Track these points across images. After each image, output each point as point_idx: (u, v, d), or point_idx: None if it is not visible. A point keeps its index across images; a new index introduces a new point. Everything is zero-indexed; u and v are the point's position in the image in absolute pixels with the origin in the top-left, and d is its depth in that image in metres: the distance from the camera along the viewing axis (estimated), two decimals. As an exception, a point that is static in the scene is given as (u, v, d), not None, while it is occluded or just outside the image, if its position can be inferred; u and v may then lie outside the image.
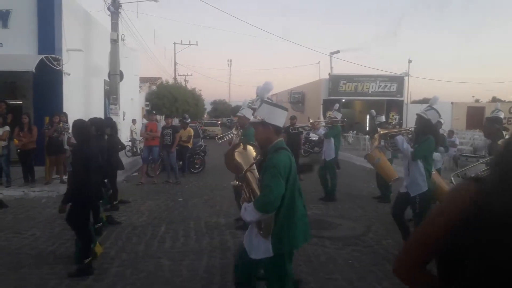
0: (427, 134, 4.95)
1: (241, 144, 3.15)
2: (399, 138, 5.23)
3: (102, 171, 5.63)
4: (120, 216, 6.95)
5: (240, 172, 2.97)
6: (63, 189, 8.41)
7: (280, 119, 2.91)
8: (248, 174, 2.93)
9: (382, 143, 6.63)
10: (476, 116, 27.57)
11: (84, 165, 4.57)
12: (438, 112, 5.06)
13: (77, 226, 4.62)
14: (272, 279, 2.92)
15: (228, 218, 6.93)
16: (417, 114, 5.20)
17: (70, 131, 9.20)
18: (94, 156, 4.89)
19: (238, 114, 6.48)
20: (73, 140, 8.68)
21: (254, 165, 2.97)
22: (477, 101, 39.18)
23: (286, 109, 3.06)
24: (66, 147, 9.54)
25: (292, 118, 11.90)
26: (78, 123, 4.87)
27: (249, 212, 2.73)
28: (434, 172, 5.54)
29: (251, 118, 6.06)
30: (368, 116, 29.67)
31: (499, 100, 44.64)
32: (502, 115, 6.67)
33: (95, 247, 4.83)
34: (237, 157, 3.02)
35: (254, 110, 6.00)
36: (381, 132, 6.67)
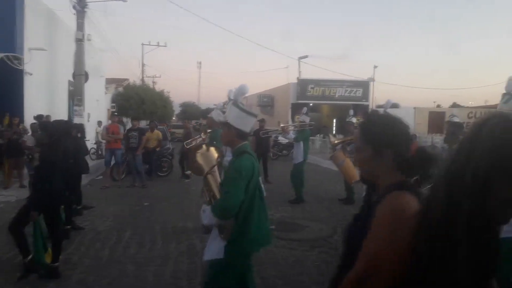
0: None
1: (204, 145, 3.14)
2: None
3: (69, 175, 5.48)
4: (83, 221, 6.74)
5: (202, 173, 2.96)
6: (22, 193, 8.09)
7: (246, 124, 2.89)
8: (209, 176, 2.91)
9: (349, 148, 6.80)
10: (437, 121, 28.59)
11: (51, 169, 4.42)
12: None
13: (52, 229, 4.49)
14: (209, 283, 2.82)
15: (196, 222, 6.85)
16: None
17: (29, 133, 8.89)
18: (62, 159, 4.74)
19: (208, 115, 6.48)
20: (29, 143, 8.39)
21: (216, 167, 2.96)
22: (438, 106, 40.63)
23: (255, 115, 3.06)
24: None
25: (261, 121, 11.96)
26: (49, 125, 4.71)
27: (207, 215, 2.73)
28: None
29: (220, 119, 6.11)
30: (334, 120, 30.28)
31: (459, 106, 46.52)
32: (457, 120, 6.98)
33: (45, 255, 4.63)
34: (199, 158, 3.00)
35: (224, 112, 6.01)
36: (335, 141, 6.91)
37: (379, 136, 1.48)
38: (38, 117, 10.27)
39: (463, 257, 1.05)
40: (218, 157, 3.05)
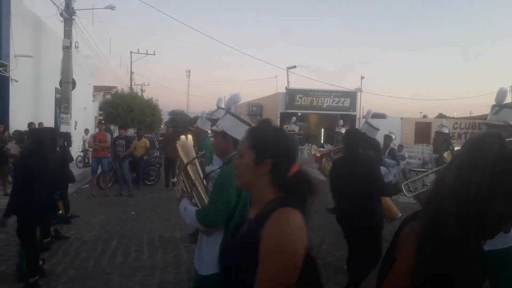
0: (368, 149, 5.13)
1: (182, 136, 3.14)
2: None
3: (55, 184, 5.39)
4: (69, 230, 6.64)
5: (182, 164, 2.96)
6: (6, 202, 7.93)
7: (241, 133, 2.89)
8: (189, 168, 2.90)
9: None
10: (423, 131, 28.92)
11: (34, 177, 4.34)
12: (371, 125, 5.27)
13: (23, 240, 4.38)
14: None
15: (183, 232, 6.78)
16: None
17: (14, 141, 8.76)
18: (47, 168, 4.65)
19: (195, 125, 6.44)
20: (13, 151, 8.26)
21: (197, 160, 2.96)
22: (425, 116, 41.11)
23: (249, 125, 3.06)
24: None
25: (250, 130, 11.95)
26: (36, 132, 4.65)
27: (189, 216, 2.69)
28: None
29: (208, 128, 6.08)
30: (323, 130, 30.45)
31: (445, 116, 47.15)
32: (446, 130, 7.06)
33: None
34: (179, 150, 3.00)
35: (212, 120, 5.98)
36: (318, 155, 6.95)
37: (264, 144, 1.45)
38: (30, 125, 10.18)
39: (472, 269, 1.14)
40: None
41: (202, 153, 3.13)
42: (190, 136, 3.17)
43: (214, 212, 2.59)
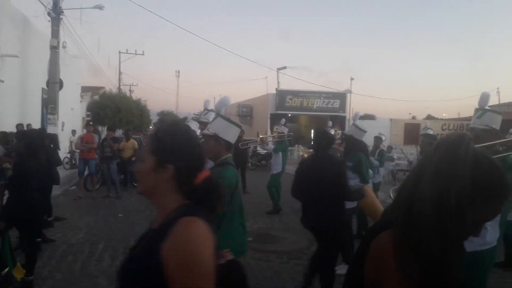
0: (354, 150, 5.15)
1: None
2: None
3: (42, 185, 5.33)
4: (55, 233, 6.55)
5: None
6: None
7: (233, 135, 2.90)
8: None
9: None
10: (412, 132, 29.19)
11: (25, 179, 4.30)
12: (358, 128, 5.28)
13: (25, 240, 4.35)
14: None
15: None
16: (343, 133, 5.54)
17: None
18: (36, 170, 4.59)
19: None
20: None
21: None
22: (413, 118, 41.61)
23: (240, 126, 3.05)
24: None
25: (240, 132, 11.93)
26: (26, 134, 4.59)
27: None
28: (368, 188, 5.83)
29: (195, 129, 6.04)
30: (312, 131, 30.54)
31: (433, 118, 47.70)
32: (430, 132, 7.13)
33: (13, 269, 4.46)
34: None
35: (201, 123, 5.94)
36: (304, 155, 7.01)
37: (165, 148, 1.33)
38: (18, 126, 10.02)
39: (455, 277, 1.12)
40: None
41: None
42: None
43: None
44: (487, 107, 3.36)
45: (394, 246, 1.12)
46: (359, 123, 5.33)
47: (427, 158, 1.22)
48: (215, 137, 2.82)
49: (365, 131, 5.33)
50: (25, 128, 10.66)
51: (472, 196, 1.09)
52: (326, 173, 3.96)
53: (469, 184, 1.09)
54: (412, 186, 1.17)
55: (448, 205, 1.08)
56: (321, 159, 4.20)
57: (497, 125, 3.21)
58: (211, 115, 4.68)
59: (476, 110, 3.35)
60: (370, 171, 6.52)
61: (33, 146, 4.53)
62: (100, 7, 15.68)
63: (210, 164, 3.48)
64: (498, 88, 36.42)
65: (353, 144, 5.21)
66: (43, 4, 13.45)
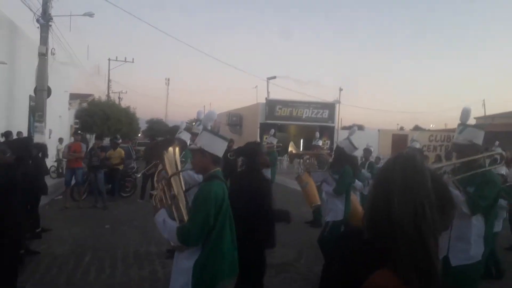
0: (343, 163, 5.22)
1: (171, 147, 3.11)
2: (324, 184, 5.48)
3: (26, 197, 5.23)
4: (39, 245, 6.43)
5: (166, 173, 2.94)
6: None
7: (219, 148, 2.90)
8: (173, 179, 2.89)
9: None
10: (400, 143, 29.47)
11: (8, 190, 4.20)
12: (351, 143, 5.38)
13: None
14: None
15: (159, 246, 6.66)
16: (337, 145, 5.61)
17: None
18: (22, 180, 4.49)
19: (176, 137, 6.39)
20: None
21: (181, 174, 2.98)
22: (401, 128, 42.06)
23: (227, 139, 3.06)
24: None
25: (229, 142, 11.89)
26: (11, 143, 4.50)
27: (168, 231, 2.68)
28: (353, 196, 5.93)
29: (187, 139, 6.02)
30: (302, 140, 30.66)
31: (420, 128, 48.27)
32: (417, 145, 7.19)
33: None
34: (166, 160, 2.98)
35: (193, 134, 5.93)
36: (293, 151, 6.99)
37: None
38: (6, 134, 9.86)
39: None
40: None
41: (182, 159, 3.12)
42: (177, 148, 3.14)
43: (195, 231, 2.58)
44: (468, 123, 3.45)
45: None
46: (353, 139, 5.38)
47: (384, 174, 1.26)
48: (201, 151, 2.81)
49: (357, 148, 5.43)
50: (15, 136, 10.53)
51: (437, 207, 1.16)
52: (249, 188, 3.62)
53: (434, 196, 1.16)
54: (384, 208, 1.19)
55: (425, 220, 1.14)
56: (247, 173, 3.82)
57: (478, 140, 3.28)
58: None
59: (458, 125, 3.43)
60: (360, 183, 6.60)
61: (19, 156, 4.46)
62: (90, 15, 15.60)
63: (199, 178, 3.46)
64: (483, 100, 37.15)
65: (344, 158, 5.26)
66: (32, 10, 13.34)
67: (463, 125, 3.39)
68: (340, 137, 27.40)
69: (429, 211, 1.14)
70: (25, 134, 12.57)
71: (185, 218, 2.76)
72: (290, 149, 7.17)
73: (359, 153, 6.64)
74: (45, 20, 13.37)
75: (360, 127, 32.43)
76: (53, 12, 13.88)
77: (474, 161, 3.27)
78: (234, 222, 2.87)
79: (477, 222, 3.14)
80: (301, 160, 6.75)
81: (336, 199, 5.20)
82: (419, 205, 1.14)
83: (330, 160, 6.06)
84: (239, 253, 2.92)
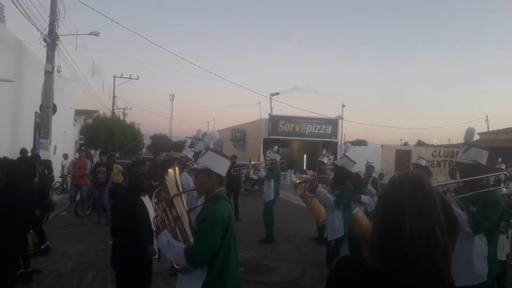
0: (344, 180, 5.36)
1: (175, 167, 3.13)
2: (320, 190, 5.61)
3: (29, 216, 5.21)
4: (43, 262, 6.40)
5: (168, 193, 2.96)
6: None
7: (223, 168, 2.86)
8: (175, 200, 2.88)
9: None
10: (403, 158, 29.41)
11: (5, 210, 4.19)
12: (350, 159, 5.53)
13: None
14: None
15: (162, 263, 6.62)
16: (333, 163, 5.74)
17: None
18: (22, 200, 4.47)
19: (180, 155, 6.47)
20: None
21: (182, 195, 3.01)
22: (405, 144, 41.90)
23: (230, 158, 3.06)
24: None
25: (233, 157, 11.96)
26: (9, 163, 4.50)
27: (174, 252, 2.64)
28: (361, 214, 5.99)
29: (191, 156, 6.07)
30: (305, 155, 30.68)
31: (424, 144, 48.15)
32: (423, 163, 7.17)
33: None
34: (168, 182, 2.99)
35: (195, 153, 5.96)
36: (297, 181, 7.17)
37: None
38: (22, 151, 10.04)
39: None
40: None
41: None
42: (177, 169, 3.15)
43: (202, 252, 2.56)
44: (472, 142, 3.47)
45: None
46: (350, 154, 5.50)
47: (391, 195, 1.23)
48: (207, 171, 2.78)
49: (355, 162, 5.59)
50: (29, 153, 10.76)
51: (447, 230, 1.16)
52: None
53: (443, 218, 1.16)
54: (396, 234, 1.16)
55: (437, 245, 1.13)
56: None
57: (482, 160, 3.29)
58: (203, 145, 4.71)
59: (462, 145, 3.45)
60: (367, 197, 6.76)
61: (17, 176, 4.43)
62: (96, 34, 15.87)
63: (202, 198, 3.48)
64: (487, 116, 37.09)
65: (347, 175, 5.39)
66: (39, 30, 13.60)
67: (467, 144, 3.42)
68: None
69: (440, 235, 1.13)
70: (29, 150, 12.68)
71: (190, 239, 2.74)
72: (294, 179, 7.42)
73: (357, 168, 6.69)
74: (51, 39, 13.61)
75: (363, 143, 32.39)
76: (59, 31, 14.16)
77: (477, 181, 3.28)
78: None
79: (480, 242, 3.13)
80: (305, 185, 6.93)
81: (335, 215, 5.33)
82: (431, 229, 1.13)
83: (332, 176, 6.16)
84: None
